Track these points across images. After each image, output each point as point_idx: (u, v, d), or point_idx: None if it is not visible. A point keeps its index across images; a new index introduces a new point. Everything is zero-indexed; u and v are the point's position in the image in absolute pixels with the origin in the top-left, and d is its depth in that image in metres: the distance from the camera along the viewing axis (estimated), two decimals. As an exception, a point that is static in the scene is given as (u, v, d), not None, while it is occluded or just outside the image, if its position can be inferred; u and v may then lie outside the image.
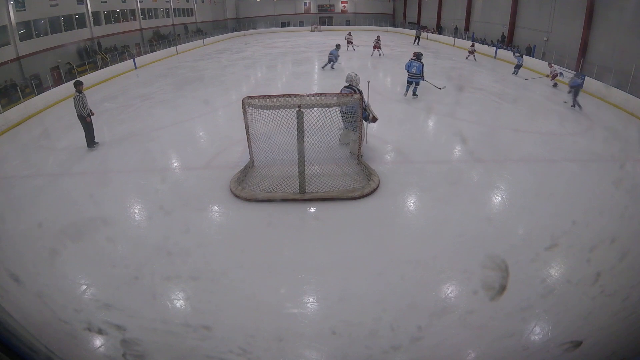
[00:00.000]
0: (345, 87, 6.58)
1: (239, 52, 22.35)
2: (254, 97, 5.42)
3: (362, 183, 5.48)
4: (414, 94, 10.38)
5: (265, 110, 5.28)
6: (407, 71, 10.17)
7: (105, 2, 21.37)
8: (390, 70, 15.37)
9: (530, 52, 17.39)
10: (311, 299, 3.56)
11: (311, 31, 34.58)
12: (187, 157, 7.16)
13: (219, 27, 34.48)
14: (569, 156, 6.92)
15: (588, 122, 9.26)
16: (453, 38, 24.01)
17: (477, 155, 6.89)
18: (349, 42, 20.55)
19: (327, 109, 5.47)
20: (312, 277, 3.80)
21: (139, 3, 24.51)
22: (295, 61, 18.73)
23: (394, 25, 34.69)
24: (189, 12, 31.45)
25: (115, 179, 6.40)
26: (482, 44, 21.17)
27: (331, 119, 5.59)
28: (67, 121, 9.50)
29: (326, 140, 5.52)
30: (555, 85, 12.71)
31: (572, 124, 8.99)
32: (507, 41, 20.17)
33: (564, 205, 5.16)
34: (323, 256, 4.16)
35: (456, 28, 25.61)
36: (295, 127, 5.02)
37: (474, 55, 18.13)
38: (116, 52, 19.63)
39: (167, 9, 28.18)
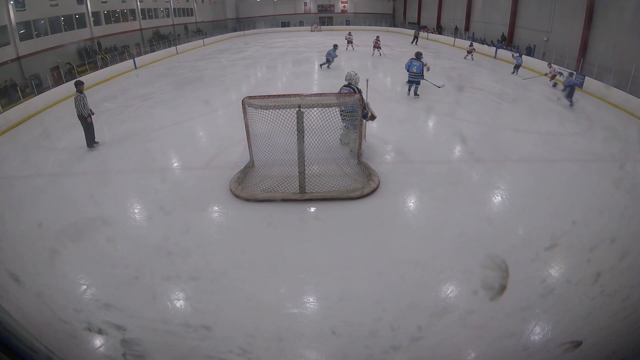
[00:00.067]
0: (344, 85, 6.59)
1: (239, 52, 22.35)
2: (254, 97, 5.42)
3: (362, 183, 5.48)
4: (416, 93, 10.41)
5: (265, 110, 5.28)
6: (408, 71, 10.20)
7: (105, 2, 21.36)
8: (390, 70, 15.38)
9: (530, 52, 17.39)
10: (311, 299, 3.56)
11: (311, 31, 34.58)
12: (187, 157, 7.16)
13: (219, 27, 34.47)
14: (569, 156, 6.92)
15: (588, 122, 9.26)
16: (453, 38, 24.01)
17: (477, 155, 6.89)
18: (349, 42, 20.59)
19: (327, 109, 5.47)
20: (312, 277, 3.81)
21: (139, 3, 24.50)
22: (295, 61, 18.73)
23: (394, 25, 34.69)
24: (189, 12, 31.44)
25: (115, 179, 6.40)
26: (482, 44, 21.17)
27: (331, 119, 5.59)
28: (67, 121, 9.50)
29: (326, 140, 5.52)
30: (554, 85, 12.73)
31: (572, 124, 8.99)
32: (507, 41, 20.16)
33: (564, 205, 5.16)
34: (323, 256, 4.16)
35: (456, 28, 25.60)
36: (295, 127, 5.02)
37: (471, 55, 18.15)
38: (116, 52, 19.62)
39: (167, 9, 28.17)
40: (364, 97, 6.44)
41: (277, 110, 5.19)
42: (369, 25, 34.44)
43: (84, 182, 6.46)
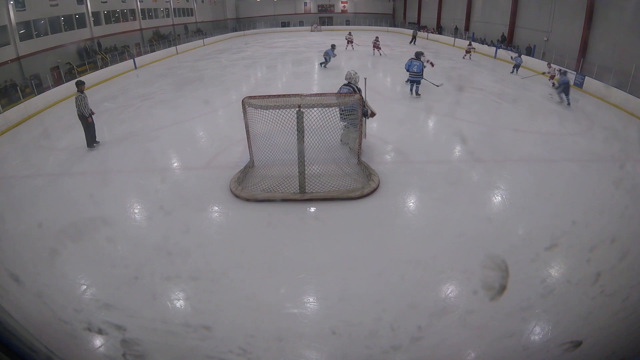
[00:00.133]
0: (344, 85, 6.60)
1: (239, 52, 22.35)
2: (254, 97, 5.42)
3: (362, 183, 5.48)
4: (417, 93, 10.44)
5: (265, 110, 5.28)
6: (408, 71, 10.23)
7: (105, 2, 21.37)
8: (390, 70, 15.38)
9: (530, 52, 17.39)
10: (311, 299, 3.56)
11: (311, 31, 34.57)
12: (187, 157, 7.16)
13: (219, 27, 34.47)
14: (569, 156, 6.92)
15: (588, 122, 9.26)
16: (453, 38, 24.01)
17: (477, 155, 6.89)
18: (349, 41, 20.63)
19: (327, 109, 5.47)
20: (312, 277, 3.80)
21: (139, 3, 24.51)
22: (295, 61, 18.73)
23: (394, 25, 34.68)
24: (189, 12, 31.44)
25: (115, 179, 6.40)
26: (482, 44, 21.18)
27: (331, 119, 5.58)
28: (67, 121, 9.50)
29: (326, 140, 5.52)
30: (554, 85, 12.73)
31: (572, 124, 8.99)
32: (507, 41, 20.16)
33: (564, 205, 5.16)
34: (323, 256, 4.16)
35: (456, 28, 25.60)
36: (295, 127, 5.02)
37: (470, 55, 18.16)
38: (116, 52, 19.63)
39: (167, 9, 28.18)
40: (363, 96, 6.47)
41: (277, 110, 5.19)
42: (369, 25, 34.43)
43: (84, 182, 6.46)
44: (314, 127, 5.30)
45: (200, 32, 30.88)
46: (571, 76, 13.13)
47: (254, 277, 3.85)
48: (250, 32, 34.56)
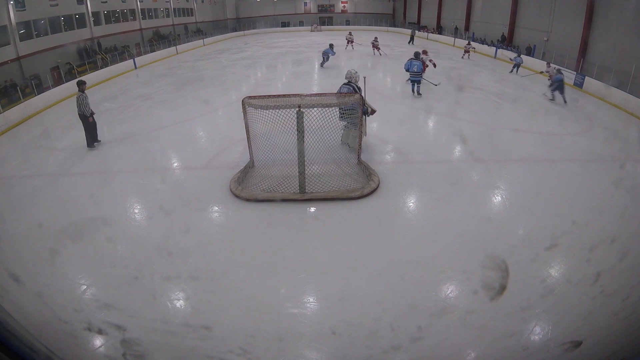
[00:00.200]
0: (344, 84, 6.61)
1: (239, 52, 22.35)
2: (254, 97, 5.42)
3: (362, 183, 5.48)
4: (418, 92, 10.48)
5: (265, 110, 5.28)
6: (408, 71, 10.27)
7: (105, 2, 21.37)
8: (390, 70, 15.39)
9: (530, 52, 17.39)
10: (311, 299, 3.56)
11: (311, 31, 34.58)
12: (187, 157, 7.16)
13: (219, 27, 34.48)
14: (569, 156, 6.92)
15: (588, 122, 9.26)
16: (453, 38, 24.02)
17: (477, 155, 6.89)
18: (350, 41, 20.68)
19: (327, 109, 5.47)
20: (312, 277, 3.80)
21: (139, 3, 24.51)
22: (295, 61, 18.74)
23: (394, 25, 34.69)
24: (189, 12, 31.45)
25: (115, 179, 6.40)
26: (482, 44, 21.19)
27: (331, 119, 5.59)
28: (67, 121, 9.50)
29: (326, 140, 5.52)
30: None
31: (572, 124, 8.99)
32: (507, 41, 20.17)
33: (564, 205, 5.15)
34: (323, 256, 4.16)
35: (456, 28, 25.60)
36: (295, 127, 5.02)
37: (468, 55, 18.17)
38: (116, 52, 19.62)
39: (167, 9, 28.18)
40: (363, 94, 6.50)
41: (277, 110, 5.19)
42: (369, 25, 34.44)
43: (84, 182, 6.46)
44: (314, 127, 5.30)
45: (200, 32, 30.88)
46: (571, 76, 13.14)
47: (254, 277, 3.85)
48: (250, 32, 34.56)
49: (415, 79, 10.37)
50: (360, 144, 6.02)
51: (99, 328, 3.02)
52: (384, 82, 13.62)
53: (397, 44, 23.49)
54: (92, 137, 7.62)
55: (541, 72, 13.39)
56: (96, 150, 7.56)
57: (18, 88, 13.02)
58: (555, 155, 6.89)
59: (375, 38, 19.39)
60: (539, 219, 4.82)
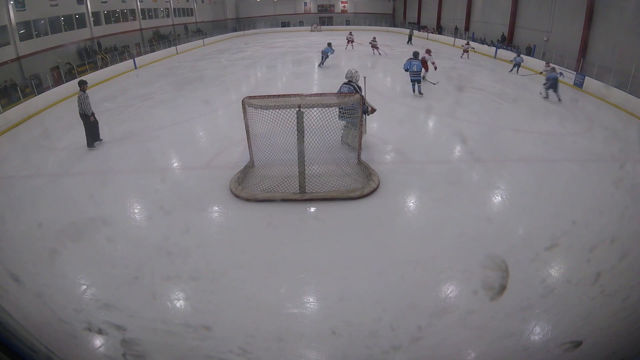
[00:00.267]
0: (344, 83, 6.62)
1: (239, 52, 22.35)
2: (254, 97, 5.42)
3: (362, 183, 5.48)
4: (420, 92, 10.50)
5: (265, 110, 5.28)
6: (409, 71, 10.28)
7: (105, 2, 21.36)
8: (390, 70, 15.38)
9: (530, 52, 17.39)
10: (311, 299, 3.56)
11: (311, 31, 34.57)
12: (187, 157, 7.16)
13: (219, 27, 34.47)
14: (569, 156, 6.92)
15: (588, 122, 9.26)
16: (453, 38, 24.02)
17: (477, 155, 6.89)
18: (350, 41, 20.72)
19: (327, 109, 5.47)
20: (312, 277, 3.80)
21: (139, 3, 24.50)
22: (295, 61, 18.74)
23: (394, 25, 34.68)
24: (189, 12, 31.44)
25: (115, 179, 6.40)
26: (482, 44, 21.19)
27: (331, 119, 5.59)
28: (67, 121, 9.51)
29: (326, 140, 5.52)
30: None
31: (572, 124, 8.99)
32: (507, 41, 20.17)
33: (564, 205, 5.15)
34: (323, 256, 4.16)
35: (456, 28, 25.60)
36: (295, 127, 5.02)
37: (467, 54, 18.18)
38: (116, 52, 19.62)
39: (167, 9, 28.17)
40: (363, 94, 6.52)
41: (277, 110, 5.19)
42: (369, 25, 34.43)
43: (84, 182, 6.46)
44: (314, 127, 5.30)
45: (200, 32, 30.88)
46: (571, 76, 13.15)
47: (254, 277, 3.85)
48: (250, 32, 34.55)
49: (415, 79, 10.40)
50: (360, 143, 6.03)
51: (99, 328, 3.02)
52: (384, 82, 13.62)
53: (397, 44, 23.49)
54: (93, 137, 7.63)
55: (540, 73, 13.40)
56: (96, 150, 7.56)
57: (18, 88, 13.01)
58: (555, 155, 6.88)
59: (374, 38, 19.50)
60: (539, 219, 4.82)
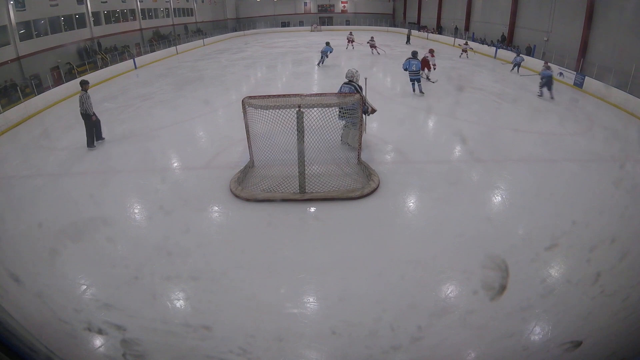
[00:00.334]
0: (345, 83, 6.62)
1: (239, 52, 22.36)
2: (254, 97, 5.42)
3: (362, 183, 5.48)
4: (421, 91, 10.52)
5: (265, 110, 5.28)
6: (409, 70, 10.30)
7: (105, 2, 21.36)
8: (390, 70, 15.38)
9: (530, 52, 17.39)
10: (311, 299, 3.56)
11: (311, 31, 34.59)
12: (187, 157, 7.16)
13: (219, 27, 34.47)
14: (569, 156, 6.92)
15: (588, 122, 9.26)
16: (453, 38, 24.02)
17: (477, 155, 6.89)
18: (350, 41, 20.76)
19: (327, 108, 5.47)
20: (312, 277, 3.80)
21: (139, 3, 24.50)
22: (295, 61, 18.74)
23: (394, 25, 34.69)
24: (189, 12, 31.44)
25: (115, 179, 6.40)
26: (482, 44, 21.19)
27: (331, 119, 5.59)
28: (67, 121, 9.51)
29: (326, 140, 5.52)
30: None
31: (572, 124, 8.99)
32: (507, 41, 20.17)
33: (564, 205, 5.15)
34: (323, 256, 4.16)
35: (456, 28, 25.60)
36: (295, 127, 5.02)
37: (467, 54, 18.18)
38: (116, 52, 19.62)
39: (167, 9, 28.17)
40: (364, 94, 6.53)
41: (277, 110, 5.19)
42: (369, 25, 34.44)
43: (84, 182, 6.46)
44: (314, 127, 5.30)
45: (200, 32, 30.88)
46: (571, 76, 13.14)
47: (254, 277, 3.85)
48: (250, 32, 34.56)
49: (415, 78, 10.42)
50: (360, 143, 6.03)
51: (99, 328, 3.02)
52: (384, 82, 13.62)
53: (397, 44, 23.50)
54: (96, 136, 7.64)
55: (539, 73, 13.41)
56: (96, 150, 7.56)
57: (18, 88, 13.01)
58: (555, 155, 6.88)
59: (372, 37, 19.59)
60: (539, 219, 4.82)
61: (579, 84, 12.80)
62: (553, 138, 7.98)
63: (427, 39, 26.62)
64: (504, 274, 3.68)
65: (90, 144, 7.59)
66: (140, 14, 24.75)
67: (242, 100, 5.41)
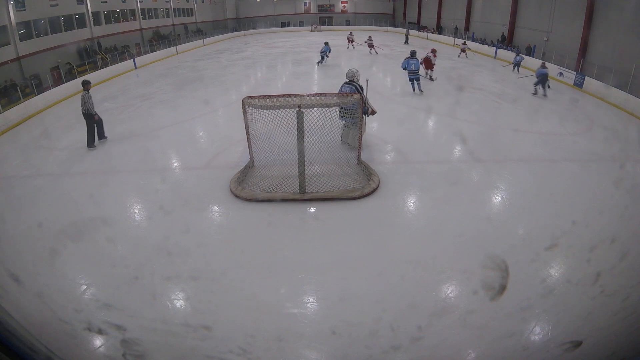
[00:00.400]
0: (345, 83, 6.62)
1: (239, 52, 22.36)
2: (254, 97, 5.42)
3: (362, 183, 5.48)
4: (420, 89, 10.52)
5: (265, 110, 5.28)
6: (408, 70, 10.31)
7: (105, 2, 21.36)
8: (390, 70, 15.38)
9: (530, 52, 17.39)
10: (311, 299, 3.56)
11: (311, 31, 34.60)
12: (187, 157, 7.16)
13: (219, 27, 34.47)
14: (569, 156, 6.92)
15: (588, 122, 9.26)
16: (453, 38, 24.02)
17: (477, 155, 6.89)
18: (351, 41, 20.78)
19: (327, 109, 5.47)
20: (312, 277, 3.80)
21: (139, 3, 24.50)
22: (295, 61, 18.74)
23: (394, 25, 34.69)
24: (189, 12, 31.44)
25: (115, 179, 6.40)
26: (482, 44, 21.19)
27: (331, 119, 5.59)
28: (67, 121, 9.52)
29: (326, 140, 5.52)
30: (548, 85, 12.73)
31: (572, 124, 8.99)
32: (507, 41, 20.17)
33: (564, 205, 5.15)
34: (323, 256, 4.16)
35: (456, 28, 25.60)
36: (295, 127, 5.02)
37: (465, 54, 18.18)
38: (116, 52, 19.62)
39: (167, 9, 28.17)
40: (365, 95, 6.52)
41: (277, 110, 5.19)
42: (369, 25, 34.43)
43: (84, 182, 6.46)
44: (314, 127, 5.30)
45: (200, 32, 30.88)
46: (571, 76, 13.14)
47: (254, 277, 3.85)
48: (250, 32, 34.56)
49: (414, 77, 10.43)
50: (361, 143, 6.03)
51: (99, 328, 3.02)
52: (384, 82, 13.61)
53: (397, 44, 23.51)
54: (93, 136, 7.62)
55: (535, 72, 13.40)
56: (96, 150, 7.56)
57: (18, 88, 13.01)
58: (555, 155, 6.89)
59: (369, 37, 19.63)
60: (539, 219, 4.82)
61: (579, 84, 12.80)
62: (553, 138, 7.98)
63: (427, 39, 26.62)
64: (504, 274, 3.68)
65: (90, 143, 7.59)
66: (140, 14, 24.74)
67: (242, 100, 5.41)
